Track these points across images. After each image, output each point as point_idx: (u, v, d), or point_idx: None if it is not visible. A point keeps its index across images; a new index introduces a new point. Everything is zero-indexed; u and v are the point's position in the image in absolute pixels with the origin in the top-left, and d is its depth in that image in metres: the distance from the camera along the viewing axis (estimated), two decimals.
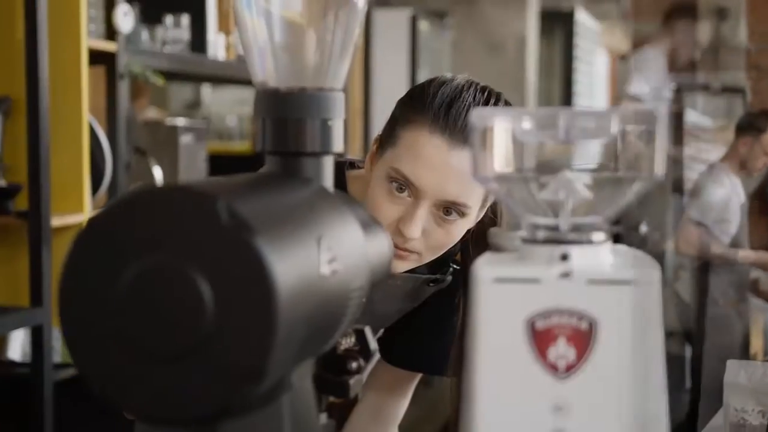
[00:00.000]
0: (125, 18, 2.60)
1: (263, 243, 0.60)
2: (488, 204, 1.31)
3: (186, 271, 0.60)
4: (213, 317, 0.59)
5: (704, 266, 4.30)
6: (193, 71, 3.13)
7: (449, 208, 1.23)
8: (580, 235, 0.69)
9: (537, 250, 0.69)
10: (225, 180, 0.69)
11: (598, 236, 0.70)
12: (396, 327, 1.42)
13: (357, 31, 0.83)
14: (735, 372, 1.92)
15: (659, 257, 4.46)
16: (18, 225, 2.38)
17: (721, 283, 4.35)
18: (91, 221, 0.62)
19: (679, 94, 4.53)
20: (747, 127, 4.38)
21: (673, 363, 4.08)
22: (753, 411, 1.81)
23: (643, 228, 4.48)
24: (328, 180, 0.81)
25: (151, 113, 3.82)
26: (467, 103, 1.24)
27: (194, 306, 0.60)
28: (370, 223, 0.84)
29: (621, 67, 10.04)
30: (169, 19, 2.99)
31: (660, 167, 0.68)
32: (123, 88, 2.63)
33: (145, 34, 2.90)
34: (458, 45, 5.48)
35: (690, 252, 4.26)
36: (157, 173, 2.84)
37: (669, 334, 4.15)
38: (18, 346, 2.51)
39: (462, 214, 1.23)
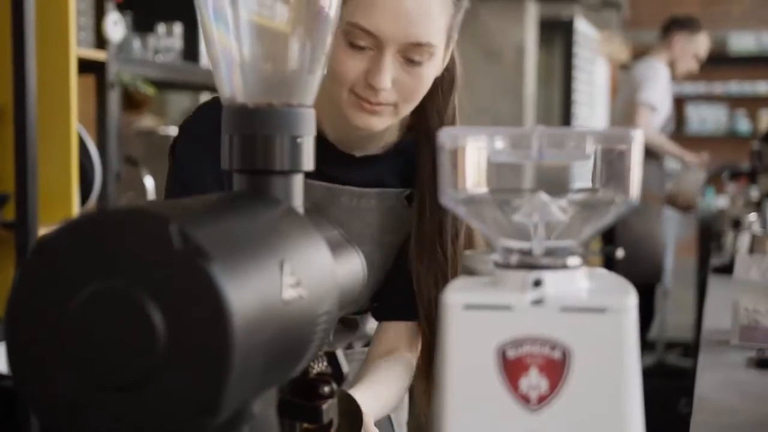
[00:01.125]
0: (115, 27, 2.57)
1: (218, 269, 0.57)
2: (453, 43, 1.27)
3: (137, 297, 0.57)
4: (165, 346, 0.57)
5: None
6: (185, 80, 3.10)
7: (414, 52, 1.18)
8: (554, 259, 0.67)
9: (509, 275, 0.67)
10: (185, 201, 0.67)
11: (573, 261, 0.67)
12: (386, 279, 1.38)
13: (328, 44, 0.80)
14: (745, 267, 1.78)
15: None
16: (5, 236, 2.35)
17: (647, 176, 4.52)
18: (42, 242, 0.59)
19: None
20: (681, 26, 4.47)
21: None
22: (766, 311, 1.67)
23: (620, 253, 4.49)
24: (298, 199, 0.78)
25: (148, 121, 3.80)
26: None
27: (145, 334, 0.57)
28: (340, 243, 0.81)
29: (621, 75, 10.03)
30: (161, 27, 2.97)
31: (636, 190, 0.66)
32: (113, 98, 2.60)
33: (137, 43, 2.88)
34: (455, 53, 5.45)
35: (646, 136, 4.36)
36: (149, 183, 2.81)
37: None
38: (4, 358, 2.48)
39: (429, 55, 1.19)
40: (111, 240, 0.58)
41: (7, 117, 2.35)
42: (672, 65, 4.47)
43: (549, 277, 0.65)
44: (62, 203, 2.41)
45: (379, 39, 1.17)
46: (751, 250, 2.76)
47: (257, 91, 0.78)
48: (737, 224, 3.08)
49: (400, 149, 1.36)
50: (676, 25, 4.48)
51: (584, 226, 0.67)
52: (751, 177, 4.18)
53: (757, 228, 2.91)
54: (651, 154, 4.42)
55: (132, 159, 2.85)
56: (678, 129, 10.15)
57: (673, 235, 5.91)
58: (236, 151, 0.77)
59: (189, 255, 0.56)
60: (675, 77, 4.56)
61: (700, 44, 4.50)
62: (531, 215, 0.67)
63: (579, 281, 0.67)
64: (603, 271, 0.72)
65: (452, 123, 1.33)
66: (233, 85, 0.78)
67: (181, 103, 5.14)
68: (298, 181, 0.78)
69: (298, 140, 0.77)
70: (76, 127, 2.44)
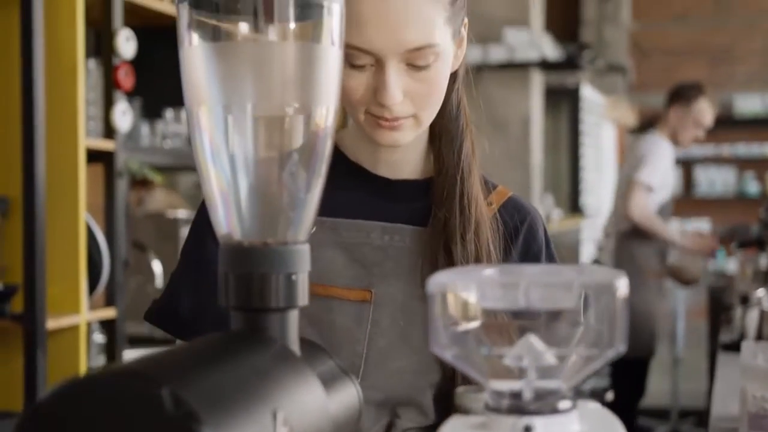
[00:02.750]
0: (123, 117, 2.61)
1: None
2: (464, 29, 1.20)
3: None
4: None
5: (631, 233, 4.36)
6: (193, 165, 3.13)
7: (417, 58, 1.11)
8: (544, 403, 0.67)
9: (500, 420, 0.67)
10: (176, 352, 0.68)
11: (564, 404, 0.68)
12: None
13: (320, 184, 0.82)
14: (751, 354, 1.75)
15: None
16: (13, 327, 2.36)
17: (646, 251, 4.36)
18: (36, 406, 0.60)
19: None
20: (677, 97, 4.45)
21: None
22: None
23: (609, 395, 4.53)
24: (293, 335, 0.79)
25: (160, 196, 3.83)
26: None
27: None
28: (335, 376, 0.81)
29: (627, 140, 10.08)
30: (169, 113, 3.01)
31: (622, 339, 0.66)
32: (121, 186, 2.64)
33: (145, 129, 2.92)
34: None
35: (639, 216, 4.29)
36: (157, 268, 2.83)
37: None
38: None
39: (434, 56, 1.12)
40: (104, 405, 0.59)
41: (17, 208, 2.38)
42: (674, 137, 4.49)
43: (540, 422, 0.66)
44: (70, 294, 2.42)
45: (375, 54, 1.10)
46: (761, 327, 2.74)
47: (253, 230, 0.79)
48: (745, 300, 3.07)
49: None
50: (672, 96, 4.51)
51: (574, 369, 0.68)
52: (760, 245, 4.17)
53: (766, 304, 2.89)
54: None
55: (140, 244, 2.87)
56: (687, 191, 10.20)
57: (683, 301, 5.88)
58: (232, 289, 0.78)
59: (182, 421, 0.57)
60: (681, 146, 4.57)
61: (700, 112, 4.49)
62: (521, 359, 0.68)
63: (570, 425, 0.67)
64: (595, 407, 0.72)
65: (457, 120, 1.25)
66: (229, 224, 0.80)
67: (191, 180, 5.18)
68: (293, 317, 0.79)
69: (293, 277, 0.78)
70: (84, 217, 2.47)
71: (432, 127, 1.24)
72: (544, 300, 0.67)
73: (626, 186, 4.38)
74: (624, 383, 4.43)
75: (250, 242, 0.79)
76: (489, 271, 0.71)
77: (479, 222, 1.19)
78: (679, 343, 5.62)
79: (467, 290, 0.68)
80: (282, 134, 0.79)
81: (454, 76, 1.22)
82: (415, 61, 1.11)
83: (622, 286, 0.66)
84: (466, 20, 1.20)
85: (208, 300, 1.12)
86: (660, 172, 4.34)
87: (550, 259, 1.27)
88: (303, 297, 0.79)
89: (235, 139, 0.78)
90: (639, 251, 4.39)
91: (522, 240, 1.25)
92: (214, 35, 0.77)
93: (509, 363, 0.68)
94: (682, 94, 4.49)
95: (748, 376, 1.78)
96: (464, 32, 1.20)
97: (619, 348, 0.67)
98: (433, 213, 1.21)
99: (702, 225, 10.18)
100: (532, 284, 0.67)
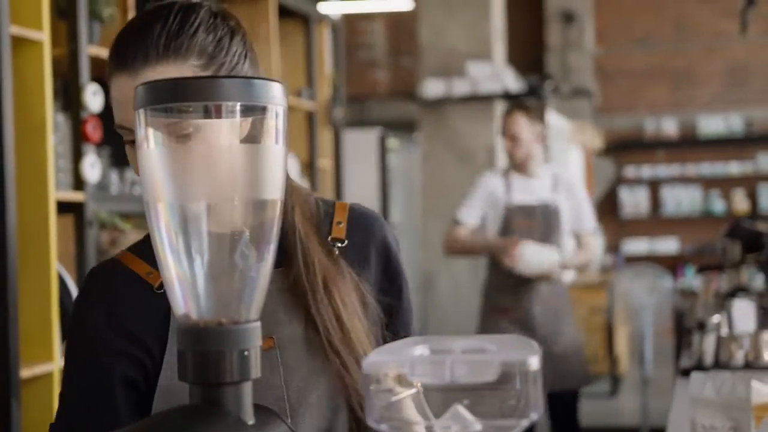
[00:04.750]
0: (92, 169, 2.68)
1: None
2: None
3: None
4: None
5: (487, 280, 4.10)
6: None
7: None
8: None
9: None
10: (138, 428, 0.75)
11: None
12: None
13: (270, 264, 0.90)
14: (701, 384, 1.80)
15: None
16: None
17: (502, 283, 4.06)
18: None
19: None
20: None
21: None
22: (723, 427, 1.69)
23: None
24: (247, 405, 0.86)
25: (131, 237, 3.87)
26: (137, 26, 1.19)
27: None
28: None
29: (596, 161, 10.24)
30: None
31: (541, 407, 0.75)
32: (91, 236, 2.70)
33: (114, 177, 2.98)
34: (428, 156, 5.61)
35: (445, 248, 4.08)
36: None
37: None
38: None
39: (195, 128, 1.10)
40: None
41: None
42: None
43: None
44: (43, 343, 2.48)
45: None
46: (717, 353, 2.82)
47: (208, 311, 0.87)
48: (702, 326, 3.16)
49: None
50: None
51: None
52: (720, 268, 4.27)
53: (723, 330, 2.96)
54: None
55: None
56: (654, 211, 10.37)
57: (650, 322, 5.98)
58: (190, 366, 0.86)
59: None
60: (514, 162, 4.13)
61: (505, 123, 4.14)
62: (449, 428, 0.76)
63: None
64: None
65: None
66: (186, 305, 0.88)
67: None
68: (247, 389, 0.87)
69: (246, 353, 0.86)
70: (55, 267, 2.53)
71: None
72: (468, 375, 0.76)
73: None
74: (560, 416, 4.35)
75: (205, 322, 0.87)
76: (419, 350, 0.78)
77: (326, 275, 1.24)
78: (647, 363, 5.72)
79: (399, 368, 0.76)
80: (233, 222, 0.87)
81: None
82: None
83: (534, 362, 0.74)
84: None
85: (104, 409, 1.18)
86: (470, 203, 4.08)
87: (398, 261, 1.33)
88: (256, 370, 0.87)
89: (190, 229, 0.86)
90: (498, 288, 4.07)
91: (374, 250, 1.31)
92: (167, 139, 0.86)
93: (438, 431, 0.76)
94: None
95: (698, 407, 1.85)
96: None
97: (535, 415, 0.75)
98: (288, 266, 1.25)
99: (670, 244, 10.35)
100: (457, 361, 0.75)
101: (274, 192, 0.87)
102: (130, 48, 1.17)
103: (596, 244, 4.14)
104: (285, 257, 1.25)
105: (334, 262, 1.27)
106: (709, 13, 10.04)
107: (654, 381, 5.81)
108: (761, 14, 6.11)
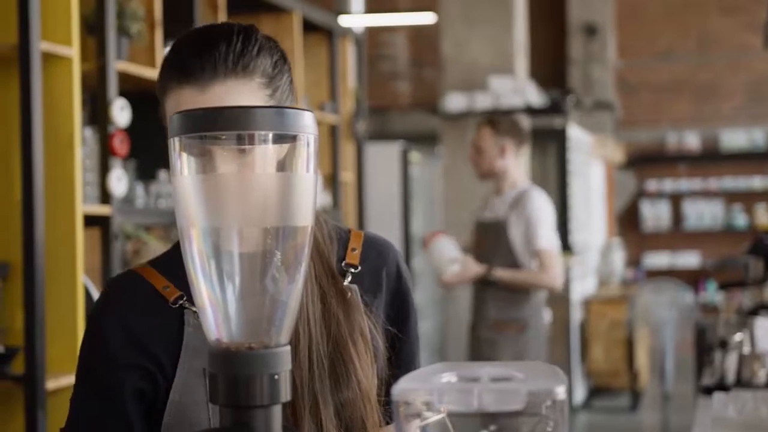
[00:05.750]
0: (119, 182, 2.71)
1: None
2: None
3: None
4: None
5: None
6: None
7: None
8: None
9: None
10: None
11: None
12: None
13: (300, 289, 0.91)
14: (723, 405, 1.81)
15: None
16: (15, 388, 2.44)
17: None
18: None
19: None
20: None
21: None
22: None
23: None
24: (276, 428, 0.88)
25: (154, 248, 3.90)
26: (200, 41, 1.20)
27: None
28: None
29: (618, 175, 10.22)
30: (163, 174, 3.11)
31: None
32: (117, 248, 2.73)
33: (140, 190, 3.02)
34: (450, 170, 5.62)
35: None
36: None
37: None
38: None
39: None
40: None
41: (17, 273, 2.47)
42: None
43: None
44: (69, 354, 2.51)
45: None
46: (739, 371, 2.82)
47: (239, 335, 0.89)
48: (724, 344, 3.15)
49: None
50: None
51: None
52: (742, 285, 4.25)
53: (745, 348, 2.95)
54: None
55: None
56: (676, 225, 10.33)
57: (670, 337, 5.97)
58: (221, 389, 0.88)
59: None
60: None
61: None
62: None
63: None
64: None
65: None
66: (218, 330, 0.89)
67: None
68: (276, 412, 0.88)
69: (276, 377, 0.88)
70: (81, 279, 2.56)
71: None
72: (495, 403, 0.77)
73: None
74: None
75: (236, 346, 0.88)
76: (446, 377, 0.80)
77: (325, 301, 1.26)
78: (668, 379, 5.70)
79: (428, 396, 0.77)
80: (264, 249, 0.89)
81: None
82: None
83: (561, 391, 0.75)
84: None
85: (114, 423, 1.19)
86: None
87: (408, 290, 1.35)
88: (285, 393, 0.89)
89: (222, 254, 0.88)
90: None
91: (386, 277, 1.33)
92: (202, 167, 0.88)
93: None
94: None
95: (720, 427, 1.86)
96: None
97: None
98: None
99: (691, 258, 10.31)
100: (485, 390, 0.77)
101: (305, 219, 0.89)
102: (196, 61, 1.18)
103: (555, 265, 3.94)
104: None
105: (340, 291, 1.27)
106: (732, 27, 10.01)
107: (674, 396, 5.79)
108: None
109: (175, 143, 0.88)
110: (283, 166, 0.87)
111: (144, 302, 1.27)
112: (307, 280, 1.25)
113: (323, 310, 1.26)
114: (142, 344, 1.25)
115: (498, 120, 4.10)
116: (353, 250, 1.32)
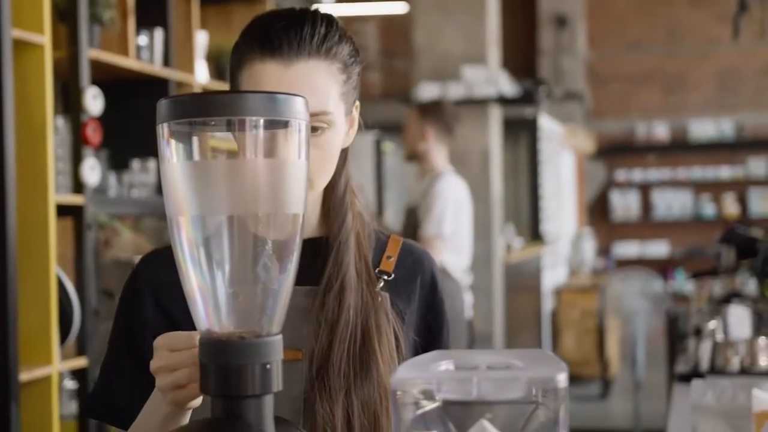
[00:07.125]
0: (92, 172, 2.67)
1: None
2: (356, 111, 1.27)
3: None
4: None
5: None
6: (160, 212, 3.20)
7: (313, 122, 1.15)
8: None
9: None
10: None
11: None
12: None
13: (291, 278, 0.90)
14: (701, 392, 1.81)
15: None
16: None
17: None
18: None
19: None
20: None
21: None
22: None
23: None
24: (268, 417, 0.87)
25: (126, 238, 3.86)
26: (285, 19, 1.21)
27: None
28: None
29: (588, 165, 10.26)
30: (135, 163, 3.08)
31: (567, 423, 0.75)
32: (90, 238, 2.69)
33: (113, 179, 2.98)
34: None
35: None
36: None
37: None
38: None
39: (327, 123, 1.19)
40: None
41: None
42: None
43: None
44: (42, 345, 2.47)
45: None
46: (713, 359, 2.83)
47: (230, 324, 0.87)
48: (698, 331, 3.17)
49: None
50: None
51: None
52: (713, 273, 4.28)
53: (719, 336, 2.97)
54: None
55: (108, 291, 2.92)
56: (645, 215, 10.39)
57: (641, 326, 6.01)
58: (212, 379, 0.86)
59: None
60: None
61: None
62: None
63: None
64: None
65: (343, 199, 1.29)
66: (209, 319, 0.88)
67: (156, 223, 5.22)
68: (268, 401, 0.87)
69: (268, 366, 0.86)
70: (54, 270, 2.52)
71: (324, 195, 1.29)
72: (494, 392, 0.76)
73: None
74: None
75: (227, 335, 0.87)
76: (444, 365, 0.79)
77: (356, 308, 1.25)
78: (639, 367, 5.74)
79: (426, 384, 0.76)
80: (255, 236, 0.87)
81: (344, 154, 1.29)
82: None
83: (562, 379, 0.74)
84: (358, 103, 1.28)
85: (142, 385, 1.18)
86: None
87: (442, 302, 1.35)
88: (277, 382, 0.87)
89: (212, 242, 0.87)
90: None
91: (420, 286, 1.32)
92: (191, 153, 0.86)
93: None
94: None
95: (699, 414, 1.86)
96: (356, 114, 1.29)
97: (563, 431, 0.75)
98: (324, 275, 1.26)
99: (660, 248, 10.39)
100: (484, 378, 0.76)
101: (297, 206, 0.87)
102: (284, 37, 1.18)
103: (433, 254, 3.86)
104: (321, 274, 1.25)
105: (372, 297, 1.26)
106: (701, 18, 10.07)
107: (645, 385, 5.83)
108: (753, 19, 6.13)
109: (163, 129, 0.86)
110: (274, 152, 0.86)
111: (175, 278, 1.25)
112: (349, 274, 1.24)
113: (362, 305, 1.25)
114: (172, 318, 1.23)
115: (426, 106, 4.17)
116: (389, 257, 1.32)
